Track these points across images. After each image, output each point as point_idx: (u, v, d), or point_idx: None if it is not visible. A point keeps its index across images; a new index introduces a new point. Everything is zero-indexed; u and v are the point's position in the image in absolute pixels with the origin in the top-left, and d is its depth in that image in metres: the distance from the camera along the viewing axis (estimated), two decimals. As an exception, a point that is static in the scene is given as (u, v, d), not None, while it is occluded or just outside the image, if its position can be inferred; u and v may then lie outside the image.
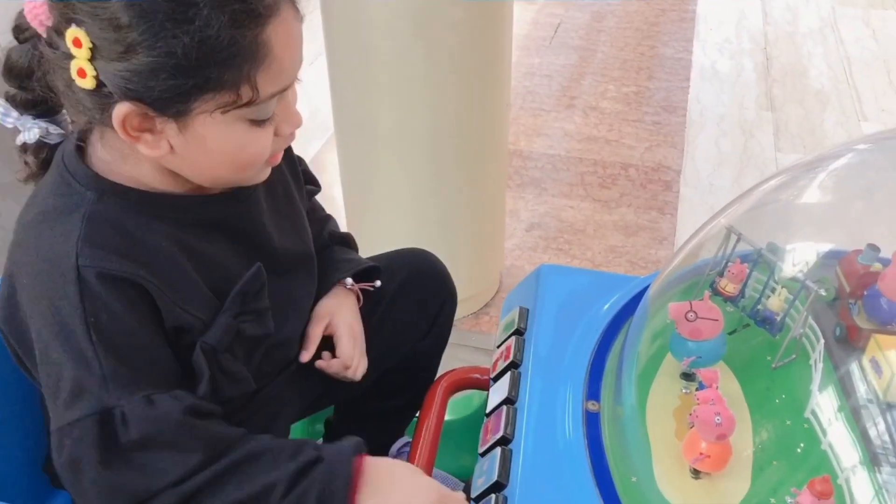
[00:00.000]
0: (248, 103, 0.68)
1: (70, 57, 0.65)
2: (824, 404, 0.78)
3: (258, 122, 0.71)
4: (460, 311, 1.93)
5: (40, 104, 0.74)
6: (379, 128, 1.63)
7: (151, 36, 0.63)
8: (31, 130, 0.74)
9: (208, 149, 0.70)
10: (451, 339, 1.83)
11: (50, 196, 0.73)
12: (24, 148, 0.77)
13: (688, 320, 0.79)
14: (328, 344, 0.95)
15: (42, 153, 0.77)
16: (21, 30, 0.72)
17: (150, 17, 0.63)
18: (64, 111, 0.77)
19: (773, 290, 0.85)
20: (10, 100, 0.74)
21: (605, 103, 2.90)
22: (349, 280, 0.97)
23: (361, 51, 1.53)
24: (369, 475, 0.72)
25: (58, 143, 0.77)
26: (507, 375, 0.84)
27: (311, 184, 1.02)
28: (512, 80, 3.00)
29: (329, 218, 1.04)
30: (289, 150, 0.91)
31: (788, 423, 0.78)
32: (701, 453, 0.71)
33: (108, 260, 0.69)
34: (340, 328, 0.94)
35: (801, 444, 0.75)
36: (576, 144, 2.65)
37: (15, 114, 0.75)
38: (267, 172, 0.79)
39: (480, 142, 1.68)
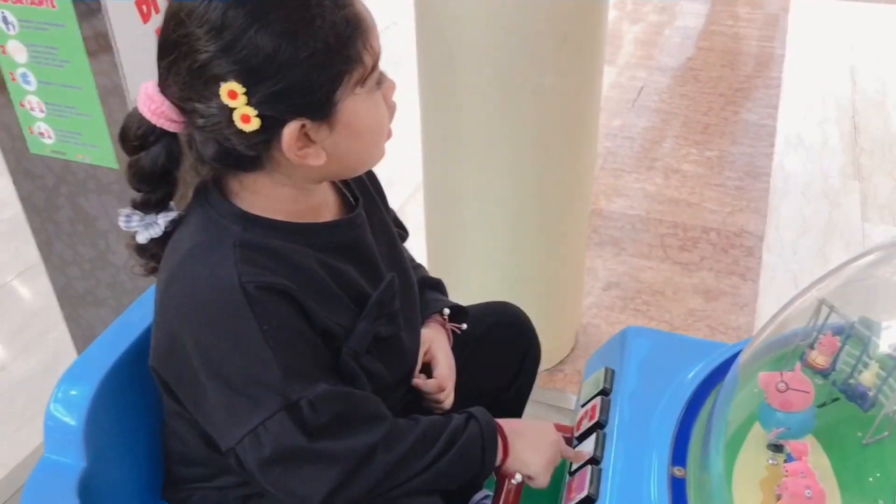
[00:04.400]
0: (373, 68, 0.76)
1: (229, 113, 0.71)
2: (918, 485, 0.77)
3: (377, 87, 0.78)
4: (536, 368, 1.94)
5: (167, 200, 0.81)
6: (464, 186, 1.68)
7: (293, 49, 0.70)
8: (158, 226, 0.81)
9: (354, 133, 0.77)
10: (525, 395, 1.84)
11: (197, 234, 0.80)
12: (147, 245, 0.82)
13: (778, 391, 0.79)
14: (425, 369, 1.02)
15: (163, 241, 0.82)
16: (143, 137, 0.76)
17: (285, 34, 0.70)
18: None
19: (866, 365, 0.85)
20: (142, 205, 0.80)
21: (686, 166, 2.90)
22: (445, 312, 1.04)
23: (452, 111, 1.59)
24: (506, 425, 0.89)
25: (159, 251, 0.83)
26: (593, 436, 0.86)
27: (400, 228, 1.07)
28: (594, 141, 3.04)
29: (420, 266, 1.09)
30: (377, 183, 1.01)
31: (880, 502, 0.77)
32: (789, 526, 0.71)
33: (264, 275, 0.76)
34: (439, 353, 1.01)
35: (894, 525, 0.73)
36: (656, 206, 2.66)
37: (137, 217, 0.81)
38: (385, 149, 0.85)
39: (562, 203, 1.71)
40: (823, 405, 0.86)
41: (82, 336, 1.79)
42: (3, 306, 2.28)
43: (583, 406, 0.93)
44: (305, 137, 0.75)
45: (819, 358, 0.88)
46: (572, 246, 1.83)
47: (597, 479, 0.81)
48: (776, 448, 0.82)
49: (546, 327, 1.91)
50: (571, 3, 1.47)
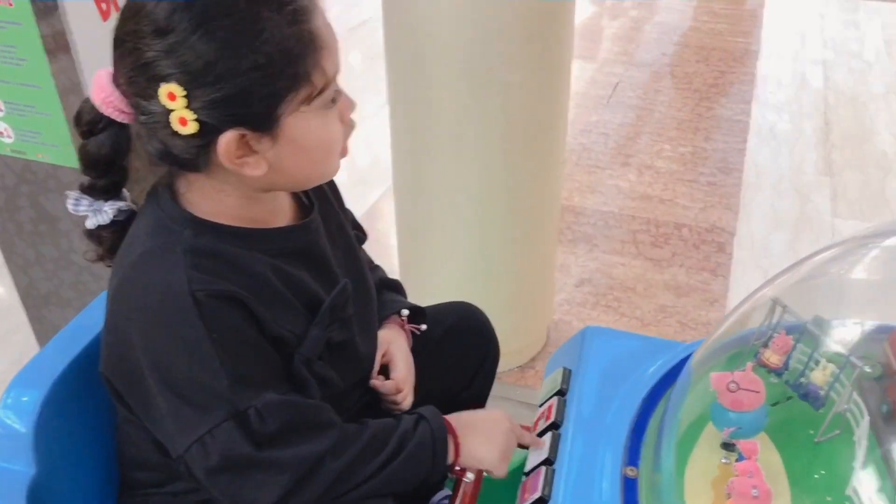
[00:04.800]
0: (323, 90, 0.75)
1: (167, 114, 0.71)
2: (866, 482, 0.78)
3: (329, 107, 0.77)
4: (506, 364, 1.95)
5: (117, 187, 0.80)
6: (433, 182, 1.68)
7: (235, 59, 0.69)
8: (105, 213, 0.80)
9: (298, 149, 0.76)
10: (495, 392, 1.84)
11: (148, 238, 0.79)
12: (95, 231, 0.82)
13: (729, 391, 0.80)
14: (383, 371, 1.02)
15: (116, 229, 0.82)
16: (93, 123, 0.77)
17: (229, 43, 0.69)
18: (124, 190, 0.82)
19: (818, 364, 0.85)
20: (88, 189, 0.80)
21: (660, 162, 2.91)
22: (404, 313, 1.04)
23: (421, 107, 1.59)
24: (456, 421, 0.89)
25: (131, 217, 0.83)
26: (548, 436, 0.86)
27: (358, 231, 1.07)
28: (568, 137, 3.04)
29: (378, 268, 1.09)
30: (335, 187, 1.00)
31: (829, 499, 0.78)
32: (737, 526, 0.71)
33: (215, 282, 0.75)
34: (397, 355, 1.01)
35: (841, 522, 0.74)
36: (629, 202, 2.67)
37: (86, 201, 0.80)
38: (339, 165, 0.84)
39: (532, 199, 1.72)
40: (777, 404, 0.87)
41: (47, 337, 1.76)
42: None
43: (540, 406, 0.93)
44: (246, 146, 0.74)
45: (773, 357, 0.88)
46: (543, 242, 1.84)
47: (550, 480, 0.81)
48: (729, 447, 0.83)
49: (517, 324, 1.92)
50: (538, 1, 1.47)
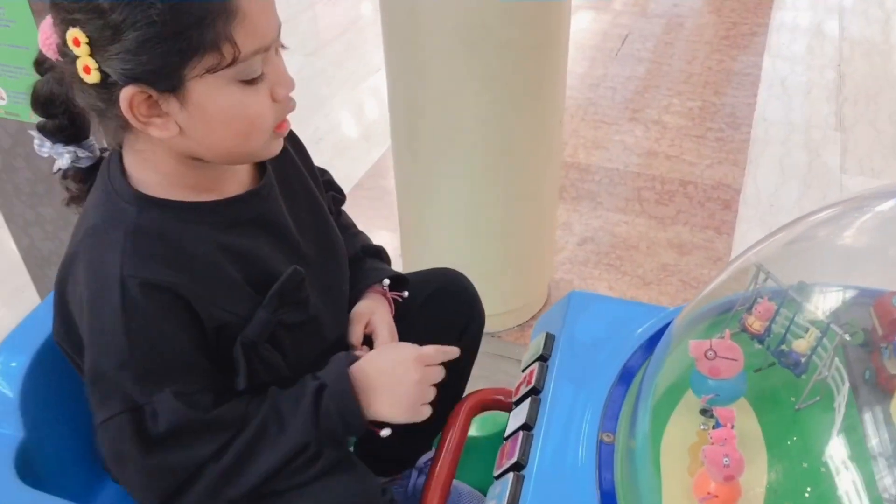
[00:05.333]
0: (233, 62, 0.72)
1: (74, 59, 0.71)
2: (844, 449, 0.78)
3: (249, 83, 0.74)
4: (505, 323, 1.96)
5: (66, 130, 0.80)
6: (431, 141, 1.66)
7: (130, 12, 0.68)
8: (63, 157, 0.81)
9: (210, 117, 0.74)
10: (494, 351, 1.86)
11: (96, 213, 0.79)
12: (63, 175, 0.84)
13: (707, 358, 0.79)
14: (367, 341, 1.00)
15: (80, 177, 0.84)
16: (40, 63, 0.78)
17: None
18: (91, 137, 0.83)
19: (801, 330, 0.85)
20: (41, 129, 0.81)
21: (668, 117, 2.87)
22: (385, 283, 1.03)
23: (416, 66, 1.57)
24: (363, 379, 0.84)
25: (96, 166, 0.83)
26: (527, 401, 0.86)
27: (335, 192, 1.07)
28: (575, 91, 3.01)
29: (360, 233, 1.08)
30: (301, 148, 0.98)
31: (805, 465, 0.78)
32: (709, 493, 0.72)
33: (150, 270, 0.75)
34: (379, 325, 1.00)
35: (816, 488, 0.74)
36: (635, 158, 2.64)
37: (48, 143, 0.81)
38: (279, 144, 0.82)
39: (530, 156, 1.70)
40: (759, 370, 0.87)
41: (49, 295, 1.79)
42: None
43: (522, 371, 0.93)
44: (155, 106, 0.73)
45: (755, 323, 0.87)
46: (542, 200, 1.83)
47: (527, 446, 0.81)
48: (707, 413, 0.83)
49: (516, 282, 1.92)
50: (534, -45, 1.44)
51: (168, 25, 0.68)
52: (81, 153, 0.81)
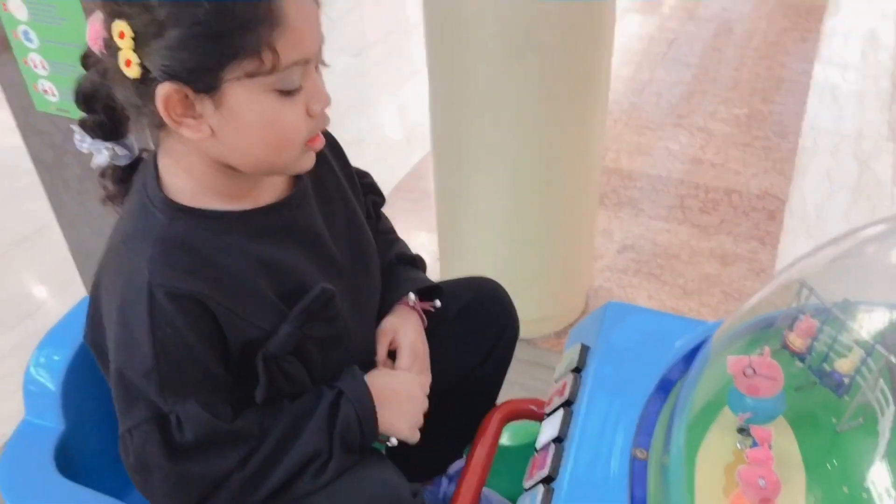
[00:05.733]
0: (272, 70, 0.72)
1: (117, 51, 0.71)
2: (887, 474, 0.75)
3: (285, 94, 0.74)
4: (542, 330, 1.94)
5: (105, 126, 0.81)
6: (471, 145, 1.66)
7: (176, 9, 0.68)
8: (102, 153, 0.81)
9: (243, 124, 0.74)
10: (529, 358, 1.85)
11: (130, 220, 0.80)
12: (102, 173, 0.85)
13: (745, 376, 0.78)
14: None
15: (117, 176, 0.85)
16: (86, 58, 0.79)
17: None
18: (130, 136, 0.84)
19: (844, 350, 0.83)
20: (82, 125, 0.82)
21: (714, 124, 2.83)
22: (412, 298, 1.01)
23: (457, 69, 1.57)
24: (377, 390, 0.87)
25: (134, 165, 0.84)
26: (560, 413, 0.85)
27: (375, 195, 1.06)
28: (619, 96, 2.98)
29: (398, 240, 1.07)
30: (340, 153, 0.97)
31: (845, 490, 0.76)
32: (744, 515, 0.70)
33: (177, 279, 0.76)
34: (402, 343, 0.99)
35: (856, 514, 0.72)
36: (679, 165, 2.60)
37: (88, 139, 0.82)
38: (311, 159, 0.82)
39: (571, 162, 1.69)
40: (800, 389, 0.85)
41: (95, 290, 1.82)
42: (42, 247, 2.33)
43: (556, 382, 0.92)
44: (189, 105, 0.73)
45: (797, 341, 0.85)
46: (582, 206, 1.81)
47: (558, 459, 0.80)
48: (745, 432, 0.81)
49: (554, 290, 1.91)
50: (579, -40, 1.43)
51: (211, 26, 0.68)
52: (120, 151, 0.82)
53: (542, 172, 1.67)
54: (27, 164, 1.62)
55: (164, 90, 0.71)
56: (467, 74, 1.56)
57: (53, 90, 1.46)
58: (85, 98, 0.80)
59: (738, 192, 2.45)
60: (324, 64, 0.79)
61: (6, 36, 1.42)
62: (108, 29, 0.72)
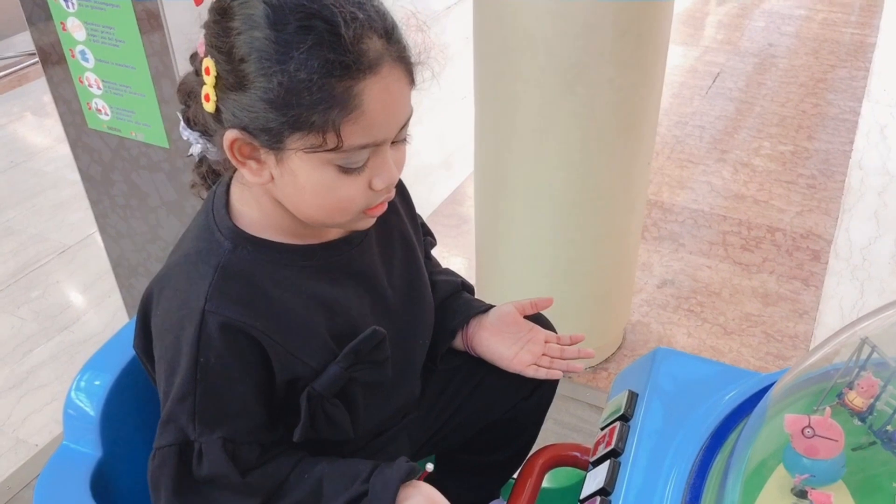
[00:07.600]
0: (334, 149, 0.71)
1: (202, 83, 0.73)
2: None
3: (346, 170, 0.73)
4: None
5: (198, 121, 0.80)
6: (514, 175, 1.65)
7: (258, 72, 0.68)
8: (197, 144, 0.81)
9: (300, 185, 0.74)
10: (564, 392, 1.82)
11: (195, 240, 0.80)
12: (199, 163, 0.85)
13: (804, 436, 0.75)
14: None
15: (205, 173, 0.85)
16: (193, 57, 0.79)
17: (260, 53, 0.68)
18: None
19: (907, 412, 0.79)
20: (183, 113, 0.82)
21: (757, 160, 2.79)
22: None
23: (505, 99, 1.56)
24: (404, 499, 0.78)
25: (215, 173, 0.84)
26: (607, 463, 0.83)
27: (429, 236, 1.05)
28: (662, 128, 2.95)
29: (449, 274, 1.06)
30: (406, 196, 0.97)
31: (907, 560, 0.72)
32: (801, 583, 0.67)
33: (232, 310, 0.75)
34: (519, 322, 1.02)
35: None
36: (721, 201, 2.56)
37: (188, 129, 0.82)
38: (369, 222, 0.81)
39: (616, 197, 1.67)
40: (858, 449, 0.81)
41: (133, 305, 1.83)
42: (83, 259, 2.36)
43: (601, 429, 0.90)
44: (254, 150, 0.73)
45: (857, 399, 0.82)
46: (623, 241, 1.78)
47: (605, 512, 0.78)
48: (801, 495, 0.78)
49: (592, 323, 1.88)
50: (633, -3, 1.41)
51: (279, 99, 0.68)
52: (211, 147, 0.81)
53: (584, 205, 1.65)
54: (72, 174, 1.64)
55: (231, 134, 0.72)
56: (515, 104, 1.55)
57: (106, 109, 1.48)
58: (185, 93, 0.80)
59: (782, 231, 2.41)
60: (405, 140, 0.78)
61: (63, 54, 1.45)
62: (202, 57, 0.73)
